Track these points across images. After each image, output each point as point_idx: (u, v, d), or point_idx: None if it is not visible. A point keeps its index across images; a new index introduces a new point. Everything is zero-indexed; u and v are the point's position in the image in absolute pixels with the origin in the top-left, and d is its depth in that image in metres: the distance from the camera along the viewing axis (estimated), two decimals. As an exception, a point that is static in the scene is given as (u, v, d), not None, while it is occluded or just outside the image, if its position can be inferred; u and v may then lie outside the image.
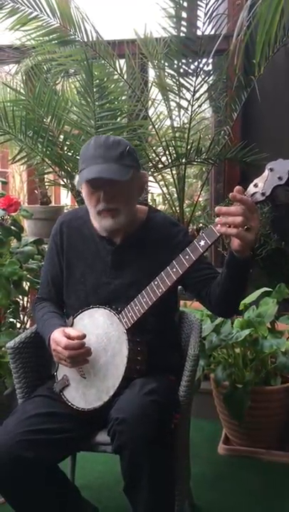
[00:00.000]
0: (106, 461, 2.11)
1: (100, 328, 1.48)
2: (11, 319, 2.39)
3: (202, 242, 1.32)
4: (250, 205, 1.24)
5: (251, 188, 1.27)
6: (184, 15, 2.70)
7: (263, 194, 1.24)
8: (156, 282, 1.40)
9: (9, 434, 1.35)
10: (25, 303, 2.58)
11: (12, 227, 2.26)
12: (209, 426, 2.44)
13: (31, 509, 1.43)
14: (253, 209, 1.24)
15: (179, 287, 1.69)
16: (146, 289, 1.41)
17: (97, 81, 2.59)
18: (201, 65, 2.73)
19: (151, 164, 2.83)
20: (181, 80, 2.79)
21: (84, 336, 1.41)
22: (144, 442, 1.27)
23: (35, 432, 1.37)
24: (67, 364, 1.43)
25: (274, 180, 1.23)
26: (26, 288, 2.39)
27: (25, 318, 2.55)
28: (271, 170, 1.24)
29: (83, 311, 1.53)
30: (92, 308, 1.51)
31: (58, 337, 1.43)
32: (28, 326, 2.54)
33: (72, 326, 1.53)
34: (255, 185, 1.26)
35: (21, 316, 2.49)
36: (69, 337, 1.41)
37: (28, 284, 2.39)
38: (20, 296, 2.43)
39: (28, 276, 2.29)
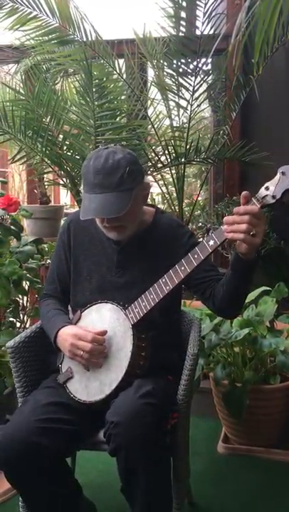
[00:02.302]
0: (106, 460, 2.11)
1: (106, 322, 1.51)
2: (11, 319, 2.40)
3: (211, 242, 1.36)
4: (256, 213, 1.27)
5: (262, 191, 1.29)
6: (183, 15, 2.69)
7: (273, 197, 1.27)
8: (164, 280, 1.43)
9: (25, 420, 1.38)
10: (25, 302, 2.59)
11: (12, 227, 2.27)
12: (209, 424, 2.45)
13: (40, 501, 1.44)
14: (259, 215, 1.28)
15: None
16: (153, 286, 1.44)
17: (97, 81, 2.59)
18: (200, 65, 2.73)
19: (150, 164, 2.84)
20: (180, 80, 2.79)
21: (106, 332, 1.46)
22: (139, 444, 1.29)
23: (50, 420, 1.39)
24: (82, 360, 1.45)
25: (285, 184, 1.25)
26: (26, 287, 2.40)
27: (25, 317, 2.56)
28: (283, 174, 1.26)
29: (91, 305, 1.56)
30: (100, 303, 1.54)
31: (80, 331, 1.46)
32: (27, 325, 2.54)
33: (79, 319, 1.56)
34: (267, 188, 1.28)
35: (21, 315, 2.49)
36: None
37: (28, 283, 2.39)
38: (20, 296, 2.44)
39: (28, 275, 2.29)
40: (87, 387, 1.49)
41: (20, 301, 2.50)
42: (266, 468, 2.15)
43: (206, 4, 2.61)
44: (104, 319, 1.52)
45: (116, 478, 1.40)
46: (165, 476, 1.41)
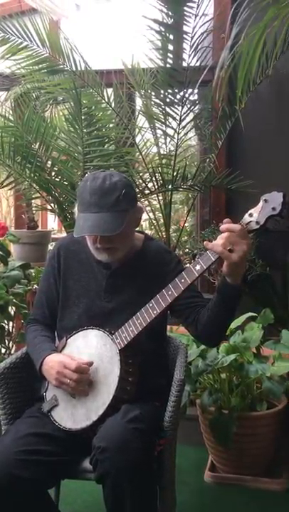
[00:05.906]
0: (91, 490, 2.08)
1: (92, 348, 1.50)
2: (-4, 344, 2.37)
3: (198, 267, 1.38)
4: (238, 231, 1.31)
5: (246, 218, 1.35)
6: (171, 47, 2.78)
7: (257, 223, 1.33)
8: (151, 304, 1.44)
9: (5, 452, 1.35)
10: (10, 328, 2.56)
11: (-1, 252, 2.27)
12: (195, 452, 2.42)
13: None
14: (242, 234, 1.32)
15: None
16: (140, 310, 1.45)
17: (85, 109, 2.65)
18: (186, 95, 2.80)
19: (138, 190, 2.87)
20: (168, 109, 2.85)
21: (92, 364, 1.46)
22: (126, 470, 1.27)
23: (31, 452, 1.36)
24: (68, 388, 1.45)
25: (268, 211, 1.32)
26: (12, 313, 2.38)
27: (11, 343, 2.53)
28: (266, 201, 1.32)
29: (77, 332, 1.55)
30: (87, 329, 1.54)
31: (66, 360, 1.46)
32: (13, 351, 2.51)
33: (65, 346, 1.55)
34: (250, 215, 1.35)
35: (6, 341, 2.47)
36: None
37: (14, 308, 2.38)
38: (6, 321, 2.41)
39: (14, 300, 2.28)
40: (73, 415, 1.47)
41: (6, 327, 2.47)
42: (254, 498, 2.12)
43: (192, 38, 2.70)
44: (91, 345, 1.51)
45: (100, 507, 1.37)
46: (151, 505, 1.39)
